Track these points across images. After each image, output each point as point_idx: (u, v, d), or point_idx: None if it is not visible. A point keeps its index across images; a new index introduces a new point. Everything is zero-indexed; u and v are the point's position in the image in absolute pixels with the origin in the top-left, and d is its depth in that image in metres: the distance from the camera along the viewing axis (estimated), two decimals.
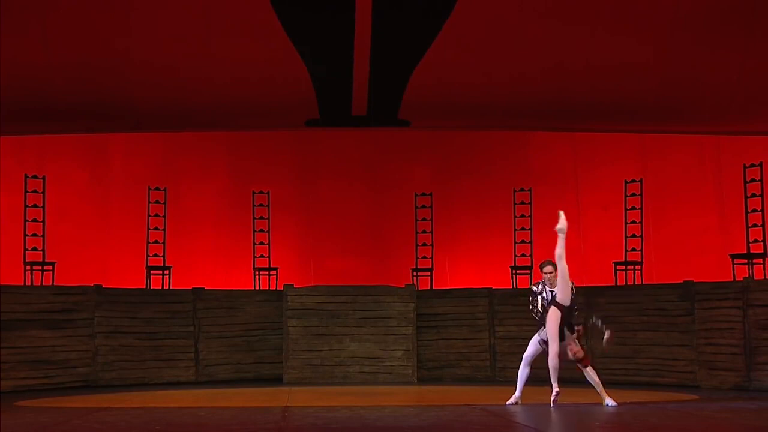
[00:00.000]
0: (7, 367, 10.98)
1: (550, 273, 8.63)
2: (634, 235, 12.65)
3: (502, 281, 13.06)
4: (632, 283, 12.34)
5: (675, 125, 11.18)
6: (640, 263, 12.49)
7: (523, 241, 13.19)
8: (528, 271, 13.01)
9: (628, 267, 12.50)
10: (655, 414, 7.98)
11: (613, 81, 9.31)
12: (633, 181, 12.77)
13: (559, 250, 8.51)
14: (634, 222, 12.68)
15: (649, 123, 11.15)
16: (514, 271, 13.08)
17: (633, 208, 12.72)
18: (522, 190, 13.32)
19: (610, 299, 12.15)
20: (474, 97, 9.74)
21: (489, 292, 12.74)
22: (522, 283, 13.01)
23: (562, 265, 8.49)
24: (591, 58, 8.66)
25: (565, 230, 8.60)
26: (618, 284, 12.40)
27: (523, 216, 13.25)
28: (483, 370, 12.61)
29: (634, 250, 12.59)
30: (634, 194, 12.74)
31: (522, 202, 13.27)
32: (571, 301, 8.51)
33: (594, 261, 13.05)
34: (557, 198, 13.70)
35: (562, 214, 8.68)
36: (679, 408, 8.58)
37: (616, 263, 12.56)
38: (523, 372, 8.75)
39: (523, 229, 13.23)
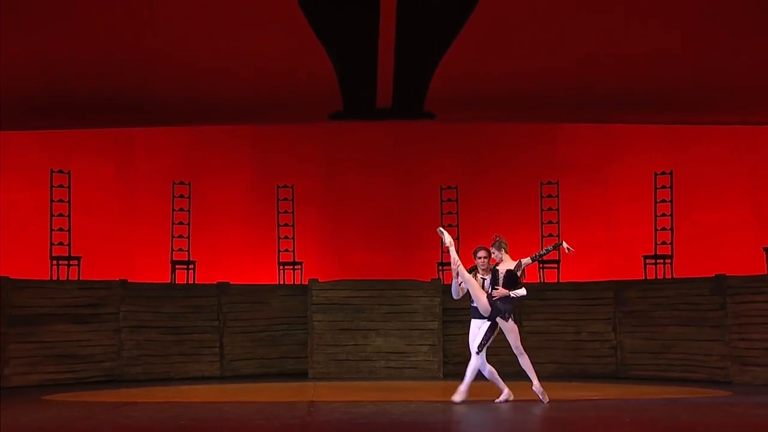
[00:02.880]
0: (33, 361, 11.13)
1: (483, 258, 8.44)
2: (664, 228, 12.53)
3: (529, 275, 12.72)
4: (662, 277, 12.23)
5: (707, 116, 11.05)
6: (671, 257, 12.38)
7: (550, 235, 13.12)
8: (555, 266, 12.94)
9: (657, 261, 12.39)
10: (686, 410, 7.91)
11: (643, 71, 9.22)
12: (663, 173, 12.65)
13: (454, 265, 8.41)
14: (664, 215, 12.56)
15: (681, 114, 11.03)
16: (540, 265, 13.01)
17: (663, 200, 12.60)
18: (549, 182, 13.24)
19: (640, 294, 12.06)
20: (500, 89, 9.70)
21: None
22: (549, 277, 12.94)
23: (465, 276, 8.37)
24: (621, 47, 8.56)
25: (453, 242, 8.55)
26: (648, 278, 12.30)
27: (550, 209, 13.17)
28: (510, 366, 12.51)
29: (664, 243, 12.48)
30: (664, 186, 12.61)
31: (549, 195, 13.19)
32: (493, 306, 8.30)
33: (623, 255, 12.95)
34: (585, 191, 13.62)
35: (440, 230, 8.65)
36: (711, 404, 8.49)
37: (646, 257, 12.45)
38: (486, 369, 8.55)
39: (550, 222, 13.15)
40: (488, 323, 8.38)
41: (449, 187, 13.53)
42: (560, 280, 12.81)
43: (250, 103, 10.26)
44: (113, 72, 9.05)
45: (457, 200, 13.46)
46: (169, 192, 12.90)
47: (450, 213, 13.47)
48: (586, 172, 13.60)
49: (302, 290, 12.79)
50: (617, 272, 12.54)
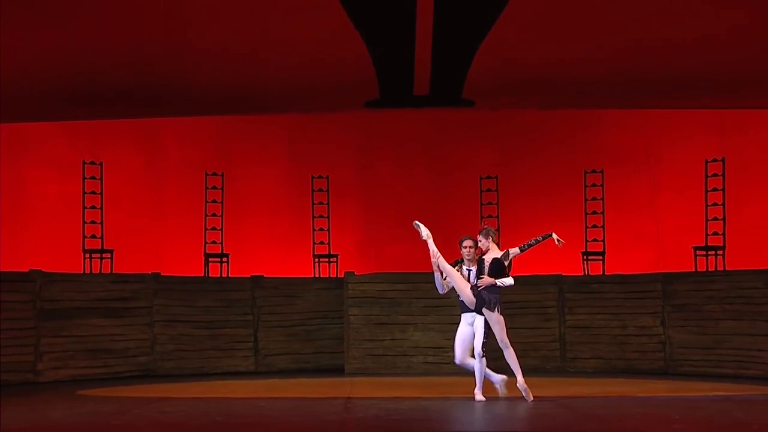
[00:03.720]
0: (66, 355, 11.34)
1: (469, 248, 8.36)
2: (715, 218, 12.36)
3: (573, 267, 12.91)
4: (713, 270, 12.07)
5: (759, 100, 10.86)
6: (722, 248, 12.21)
7: (594, 226, 13.02)
8: (600, 257, 12.84)
9: (708, 252, 12.22)
10: (741, 408, 7.81)
11: (691, 54, 9.09)
12: (714, 160, 12.47)
13: (434, 258, 8.36)
14: (715, 204, 12.38)
15: (731, 98, 10.85)
16: (585, 257, 12.92)
17: (714, 189, 12.42)
18: (593, 171, 13.12)
19: (690, 286, 11.92)
20: (542, 75, 9.62)
21: (558, 279, 12.61)
22: (594, 269, 12.84)
23: (446, 268, 8.28)
24: (668, 31, 8.44)
25: (430, 236, 8.48)
26: (698, 270, 12.15)
27: (594, 199, 13.07)
28: (552, 361, 12.51)
29: (715, 234, 12.31)
30: (715, 174, 12.44)
31: (593, 185, 13.08)
32: (478, 297, 8.22)
33: (672, 246, 12.81)
34: (630, 179, 13.48)
35: (416, 223, 8.59)
36: (767, 401, 8.37)
37: (696, 248, 12.30)
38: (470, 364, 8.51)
39: (594, 212, 13.05)
40: (481, 320, 8.27)
41: (489, 177, 13.48)
42: (605, 272, 12.71)
43: (284, 91, 10.30)
44: (144, 61, 9.15)
45: (496, 190, 13.40)
46: (201, 183, 13.03)
47: (489, 203, 13.42)
48: (632, 159, 13.45)
49: (338, 283, 12.84)
50: (666, 264, 12.40)
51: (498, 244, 8.49)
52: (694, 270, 12.17)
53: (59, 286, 11.40)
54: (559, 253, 13.37)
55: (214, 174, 13.11)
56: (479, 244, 8.35)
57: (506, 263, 8.27)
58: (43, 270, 11.30)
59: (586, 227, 13.04)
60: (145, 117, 12.17)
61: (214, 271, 12.89)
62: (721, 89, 10.50)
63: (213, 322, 12.43)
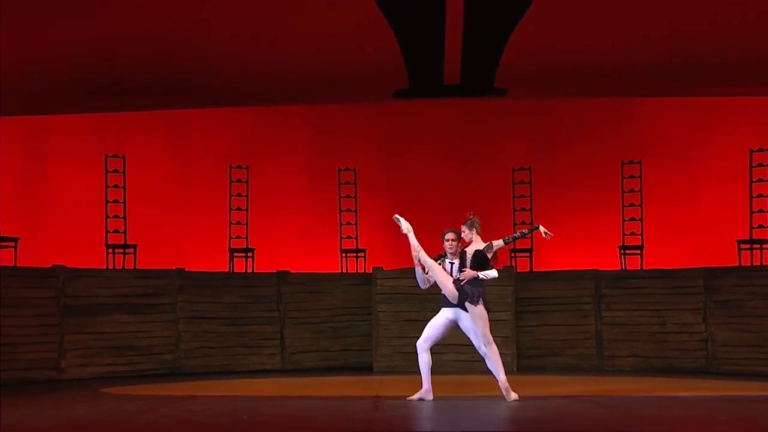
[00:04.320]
0: (90, 352, 11.48)
1: (452, 241, 8.28)
2: (761, 211, 12.22)
3: (610, 262, 12.83)
4: (758, 264, 11.93)
5: None
6: None
7: (632, 219, 12.92)
8: (638, 251, 12.75)
9: (753, 246, 12.08)
10: None
11: (734, 39, 8.97)
12: (760, 150, 12.32)
13: (414, 252, 8.30)
14: (760, 195, 12.24)
15: None
16: (622, 252, 12.84)
17: (759, 180, 12.28)
18: (631, 162, 13.02)
19: (734, 282, 11.79)
20: (577, 63, 9.55)
21: (595, 275, 12.54)
22: (632, 264, 12.75)
23: (427, 262, 8.23)
24: (710, 14, 8.34)
25: (411, 229, 8.41)
26: (742, 265, 12.01)
27: (632, 191, 12.97)
28: (589, 359, 12.45)
29: (760, 227, 12.16)
30: (760, 165, 12.29)
31: (631, 176, 12.98)
32: (461, 291, 8.14)
33: (714, 239, 12.68)
34: (670, 170, 13.37)
35: (396, 217, 8.51)
36: None
37: (740, 242, 12.16)
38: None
39: (632, 205, 12.95)
40: (468, 320, 8.20)
41: (521, 169, 13.43)
42: (644, 267, 12.62)
43: (311, 81, 10.32)
44: (168, 51, 9.21)
45: (530, 182, 13.34)
46: (226, 176, 13.11)
47: (522, 196, 13.36)
48: (671, 149, 13.33)
49: (366, 279, 12.86)
50: (707, 258, 12.27)
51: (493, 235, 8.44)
52: (737, 264, 12.03)
53: (83, 281, 11.54)
54: (596, 248, 13.36)
55: (239, 167, 13.18)
56: (462, 236, 8.30)
57: (489, 255, 8.20)
58: (66, 266, 11.44)
59: (624, 220, 12.95)
60: (168, 109, 12.27)
61: (239, 266, 12.97)
62: (765, 76, 10.35)
63: (238, 318, 12.52)
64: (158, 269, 12.19)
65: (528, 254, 13.15)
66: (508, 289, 12.44)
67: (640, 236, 12.80)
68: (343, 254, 13.44)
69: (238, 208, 13.19)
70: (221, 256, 12.97)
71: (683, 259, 12.52)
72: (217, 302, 12.46)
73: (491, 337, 8.33)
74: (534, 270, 13.03)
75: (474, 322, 8.22)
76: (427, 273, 8.33)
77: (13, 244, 11.23)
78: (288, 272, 12.86)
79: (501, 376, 8.28)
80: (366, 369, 12.47)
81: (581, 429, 6.59)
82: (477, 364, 12.30)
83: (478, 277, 8.13)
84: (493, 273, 8.20)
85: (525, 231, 8.62)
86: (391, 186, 14.24)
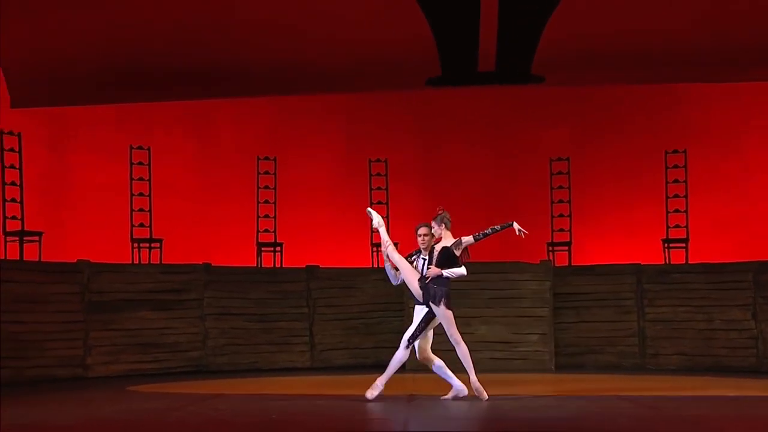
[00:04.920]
0: (115, 350, 11.61)
1: (424, 236, 8.25)
2: None
3: (653, 256, 12.72)
4: None
5: None
6: None
7: (676, 210, 12.79)
8: (683, 245, 12.62)
9: None
10: None
11: None
12: None
13: (384, 247, 8.32)
14: None
15: None
16: (666, 245, 12.72)
17: None
18: (675, 152, 12.89)
19: None
20: (618, 47, 9.47)
21: (637, 269, 12.45)
22: (676, 258, 12.62)
23: (395, 257, 8.22)
24: None
25: (382, 222, 8.44)
26: None
27: (676, 181, 12.84)
28: (631, 357, 12.36)
29: None
30: None
31: (675, 166, 12.85)
32: (424, 289, 8.10)
33: (763, 232, 12.52)
34: (717, 160, 13.21)
35: (369, 210, 8.55)
36: None
37: None
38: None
39: (676, 196, 12.82)
40: (425, 312, 8.19)
41: (560, 159, 13.35)
42: (689, 261, 12.49)
43: (341, 69, 10.33)
44: (193, 40, 9.27)
45: (568, 173, 13.26)
46: (253, 168, 13.16)
47: (561, 187, 13.29)
48: (718, 138, 13.17)
49: None
50: (756, 252, 12.10)
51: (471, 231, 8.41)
52: None
53: (107, 277, 11.66)
54: (638, 241, 13.25)
55: (267, 159, 13.23)
56: (433, 231, 8.26)
57: (458, 252, 8.15)
58: (90, 260, 11.56)
59: (668, 212, 12.83)
60: (194, 99, 12.32)
61: (267, 261, 13.03)
62: None
63: (266, 315, 12.57)
64: (184, 264, 12.28)
65: (566, 248, 13.08)
66: (546, 284, 12.39)
67: (684, 229, 12.67)
68: (375, 248, 13.44)
69: (266, 201, 13.23)
70: (249, 250, 13.03)
71: (730, 253, 12.37)
72: (244, 298, 12.53)
73: (459, 337, 8.32)
74: (573, 264, 12.96)
75: (441, 322, 8.23)
76: (397, 271, 8.35)
77: (37, 238, 11.37)
78: (317, 267, 12.89)
79: (472, 376, 8.27)
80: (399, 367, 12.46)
81: (625, 430, 6.54)
82: (515, 362, 12.33)
83: (442, 275, 8.08)
84: (460, 270, 8.14)
85: (497, 227, 8.52)
86: (424, 177, 14.23)
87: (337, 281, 12.91)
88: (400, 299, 12.73)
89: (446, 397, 8.31)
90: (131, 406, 8.07)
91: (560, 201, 13.29)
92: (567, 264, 12.97)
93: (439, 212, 8.30)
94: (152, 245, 12.38)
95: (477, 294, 12.49)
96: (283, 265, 13.00)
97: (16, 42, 9.09)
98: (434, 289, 8.12)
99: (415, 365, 12.33)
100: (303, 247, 13.30)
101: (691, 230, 12.68)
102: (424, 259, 8.25)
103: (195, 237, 13.11)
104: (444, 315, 8.19)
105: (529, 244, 13.33)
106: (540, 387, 9.92)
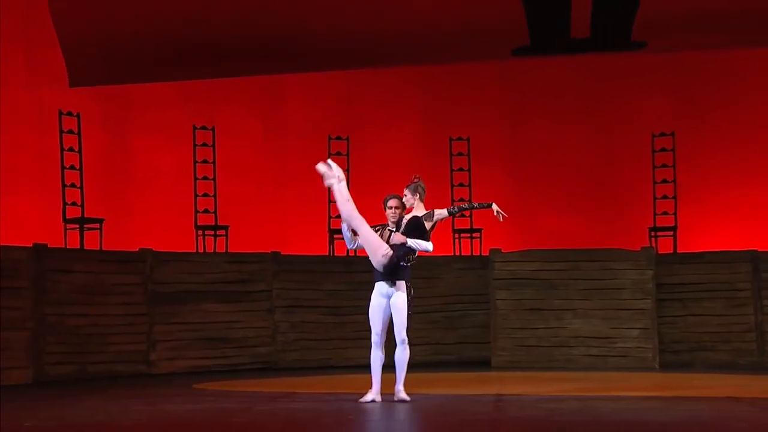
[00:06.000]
0: (180, 345, 11.82)
1: (395, 208, 7.99)
2: None
3: None
4: None
5: None
6: None
7: None
8: None
9: None
10: None
11: None
12: None
13: (341, 206, 7.95)
14: None
15: None
16: None
17: None
18: None
19: None
20: (733, 5, 9.18)
21: (753, 256, 12.20)
22: None
23: (355, 217, 7.88)
24: None
25: (335, 177, 7.97)
26: None
27: None
28: (747, 355, 12.11)
29: None
30: None
31: None
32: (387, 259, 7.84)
33: None
34: None
35: (330, 163, 8.14)
36: None
37: None
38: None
39: None
40: (401, 297, 8.02)
41: (663, 134, 13.12)
42: None
43: (418, 40, 10.28)
44: (260, 9, 9.32)
45: (673, 150, 13.04)
46: (324, 148, 13.22)
47: (664, 166, 13.08)
48: None
49: (482, 263, 12.82)
50: None
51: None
52: None
53: (171, 267, 11.85)
54: (754, 224, 12.92)
55: (339, 138, 13.28)
56: (404, 200, 8.08)
57: (428, 225, 7.97)
58: (153, 249, 11.77)
59: None
60: (261, 74, 12.42)
61: (340, 249, 13.08)
62: None
63: (339, 308, 12.64)
64: (252, 253, 12.41)
65: (671, 233, 12.86)
66: (648, 273, 12.22)
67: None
68: (456, 234, 13.41)
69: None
70: (320, 237, 13.11)
71: None
72: (316, 289, 12.62)
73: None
74: (678, 251, 12.73)
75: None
76: (356, 236, 8.14)
77: (98, 225, 11.63)
78: None
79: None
80: (483, 364, 12.45)
81: None
82: (612, 359, 12.17)
83: (407, 243, 7.87)
84: (426, 245, 7.95)
85: (475, 204, 8.44)
86: (510, 157, 14.16)
87: (417, 270, 12.75)
88: (485, 290, 12.69)
89: (363, 399, 8.13)
90: (198, 405, 8.20)
91: (664, 181, 13.07)
92: (672, 251, 12.75)
93: (415, 180, 8.18)
94: (217, 233, 12.55)
95: (570, 285, 12.39)
96: (358, 254, 13.01)
97: (74, 15, 9.28)
98: (401, 267, 7.95)
99: (503, 362, 12.30)
100: None
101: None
102: (391, 231, 8.03)
103: (263, 223, 13.26)
104: (404, 302, 8.08)
105: (628, 229, 13.22)
106: (642, 387, 9.76)
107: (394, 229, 8.04)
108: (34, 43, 12.12)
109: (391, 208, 8.11)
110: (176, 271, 11.89)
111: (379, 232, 8.08)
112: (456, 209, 8.29)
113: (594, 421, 6.96)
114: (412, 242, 7.93)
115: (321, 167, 8.18)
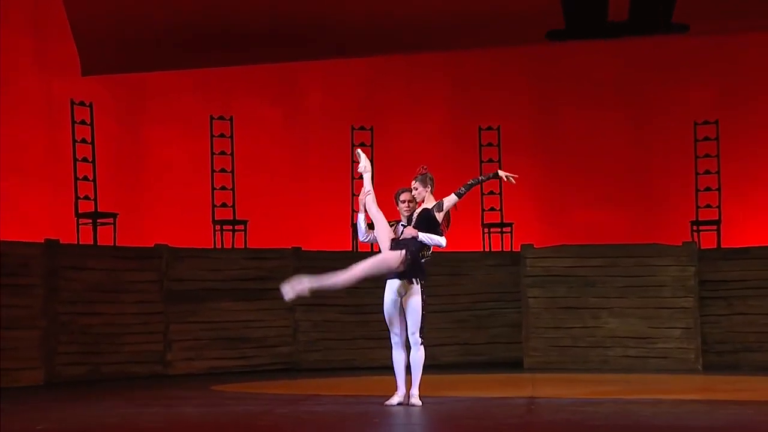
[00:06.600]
0: (198, 344, 11.87)
1: (408, 202, 7.95)
2: None
3: None
4: None
5: None
6: None
7: None
8: None
9: None
10: None
11: None
12: None
13: (362, 197, 8.03)
14: None
15: None
16: None
17: None
18: None
19: None
20: None
21: None
22: None
23: (372, 210, 7.97)
24: None
25: (369, 168, 8.10)
26: None
27: None
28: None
29: None
30: None
31: None
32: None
33: None
34: None
35: (359, 152, 8.25)
36: None
37: None
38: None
39: None
40: (416, 296, 8.00)
41: (706, 123, 13.05)
42: None
43: (446, 23, 10.28)
44: None
45: (717, 139, 12.95)
46: (347, 139, 13.23)
47: (707, 156, 13.00)
48: None
49: (513, 259, 12.79)
50: None
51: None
52: None
53: (188, 263, 11.90)
54: None
55: (362, 128, 13.27)
56: (414, 193, 8.03)
57: (440, 216, 7.91)
58: (169, 245, 11.82)
59: None
60: (281, 62, 12.45)
61: (364, 244, 13.06)
62: None
63: (363, 306, 12.62)
64: (272, 248, 12.44)
65: (714, 227, 12.78)
66: (690, 269, 12.16)
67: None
68: (486, 229, 13.38)
69: (361, 176, 13.25)
70: (343, 232, 13.12)
71: None
72: None
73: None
74: (722, 246, 12.65)
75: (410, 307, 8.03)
76: (373, 230, 8.13)
77: (112, 220, 11.69)
78: None
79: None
80: (515, 365, 12.44)
81: None
82: (652, 360, 12.11)
83: (418, 237, 7.82)
84: (438, 239, 7.91)
85: (481, 177, 8.39)
86: (542, 147, 14.13)
87: (444, 267, 12.86)
88: (516, 288, 12.66)
89: (390, 402, 8.13)
90: (217, 407, 8.23)
91: (707, 172, 12.97)
92: (715, 246, 12.67)
93: (423, 171, 8.14)
94: (236, 227, 12.59)
95: (607, 282, 12.36)
96: (376, 249, 13.02)
97: (86, 1, 9.32)
98: (417, 263, 7.92)
99: (536, 363, 12.26)
100: None
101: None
102: (404, 225, 8.01)
103: (283, 218, 13.28)
104: (419, 302, 8.06)
105: (669, 223, 13.14)
106: (684, 390, 9.71)
107: (405, 224, 8.02)
108: (43, 31, 12.19)
109: (404, 202, 8.08)
110: (193, 268, 11.94)
111: (393, 228, 8.07)
112: (463, 189, 8.12)
113: (633, 425, 6.94)
114: (423, 236, 7.90)
115: (362, 154, 8.32)
